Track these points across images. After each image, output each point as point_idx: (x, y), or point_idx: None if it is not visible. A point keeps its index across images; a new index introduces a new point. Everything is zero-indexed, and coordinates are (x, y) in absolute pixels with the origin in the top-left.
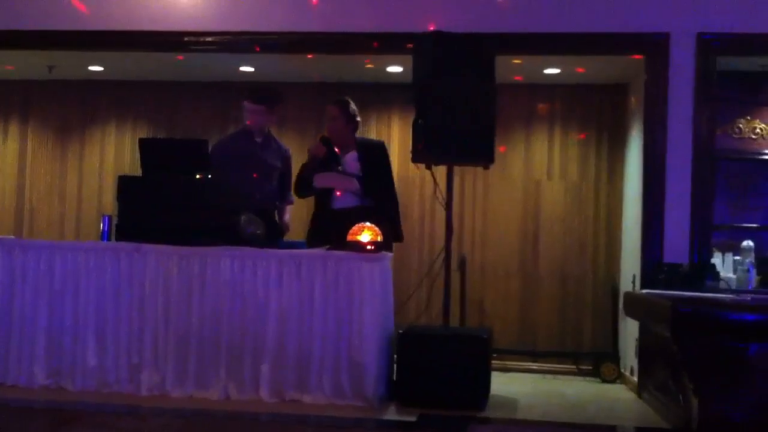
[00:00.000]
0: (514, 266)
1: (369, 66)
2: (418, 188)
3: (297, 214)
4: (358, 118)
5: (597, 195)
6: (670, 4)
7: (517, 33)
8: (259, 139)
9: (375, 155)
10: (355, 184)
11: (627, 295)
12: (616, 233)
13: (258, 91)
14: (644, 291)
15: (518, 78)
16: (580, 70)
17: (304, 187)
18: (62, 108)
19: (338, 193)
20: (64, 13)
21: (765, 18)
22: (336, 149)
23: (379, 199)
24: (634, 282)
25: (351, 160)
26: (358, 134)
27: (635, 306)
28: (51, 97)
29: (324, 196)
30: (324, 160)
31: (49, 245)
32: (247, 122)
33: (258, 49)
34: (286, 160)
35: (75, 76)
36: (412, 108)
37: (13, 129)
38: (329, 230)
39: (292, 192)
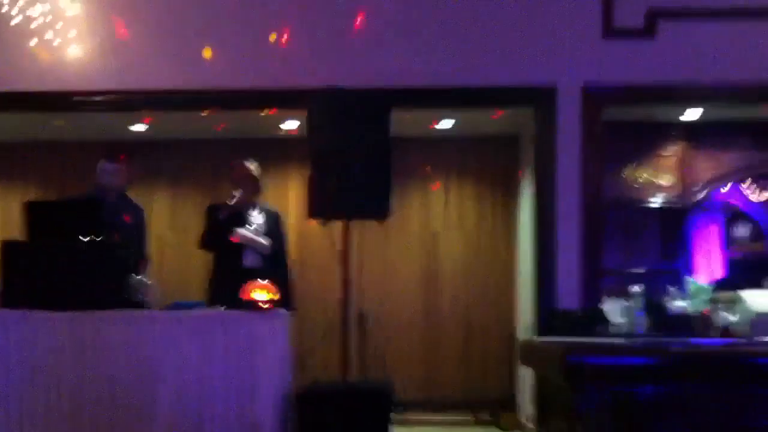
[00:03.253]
0: (417, 316)
1: (265, 121)
2: (317, 242)
3: (182, 272)
4: (261, 181)
5: (494, 245)
6: (556, 56)
7: (410, 87)
8: (113, 199)
9: (274, 222)
10: (266, 245)
11: (522, 343)
12: (512, 282)
13: (112, 150)
14: (539, 339)
15: (413, 132)
16: (473, 123)
17: (214, 240)
18: None
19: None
20: None
21: (647, 69)
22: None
23: (277, 265)
24: (529, 331)
25: (258, 222)
26: None
27: (530, 354)
28: None
29: (231, 254)
30: (232, 218)
31: None
32: (105, 182)
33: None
34: (140, 217)
35: None
36: (309, 164)
37: None
38: (235, 289)
39: (199, 244)
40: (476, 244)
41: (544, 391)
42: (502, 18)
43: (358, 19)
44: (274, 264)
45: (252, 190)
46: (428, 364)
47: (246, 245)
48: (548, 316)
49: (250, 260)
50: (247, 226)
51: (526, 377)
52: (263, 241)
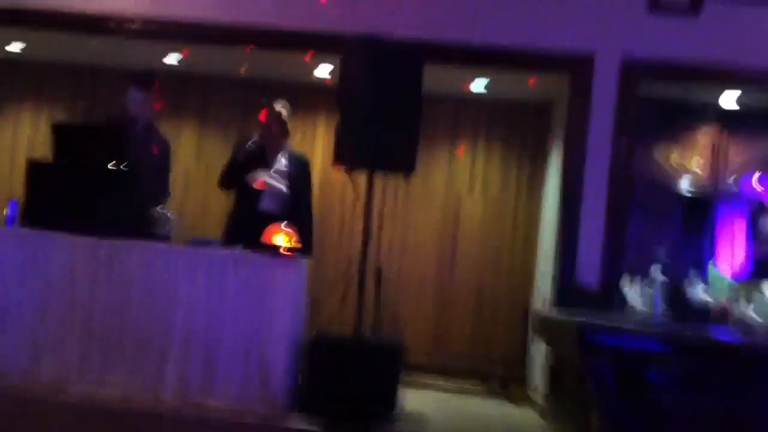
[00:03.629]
0: (430, 278)
1: (299, 65)
2: (338, 194)
3: (204, 209)
4: (290, 126)
5: (516, 213)
6: (597, 25)
7: (446, 43)
8: (140, 128)
9: (301, 169)
10: (285, 192)
11: (537, 315)
12: (531, 252)
13: (142, 76)
14: (555, 313)
15: (445, 90)
16: (505, 86)
17: (232, 179)
18: None
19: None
20: None
21: (689, 46)
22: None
23: (297, 211)
24: (545, 304)
25: (281, 166)
26: None
27: (544, 328)
28: None
29: (249, 196)
30: (254, 159)
31: None
32: (133, 109)
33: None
34: (166, 151)
35: None
36: (338, 113)
37: None
38: (251, 231)
39: (218, 182)
40: (498, 210)
41: (557, 365)
42: None
43: None
44: (294, 210)
45: (278, 132)
46: (439, 329)
47: (267, 190)
48: (566, 290)
49: (267, 204)
50: (272, 171)
51: (537, 350)
52: (281, 186)
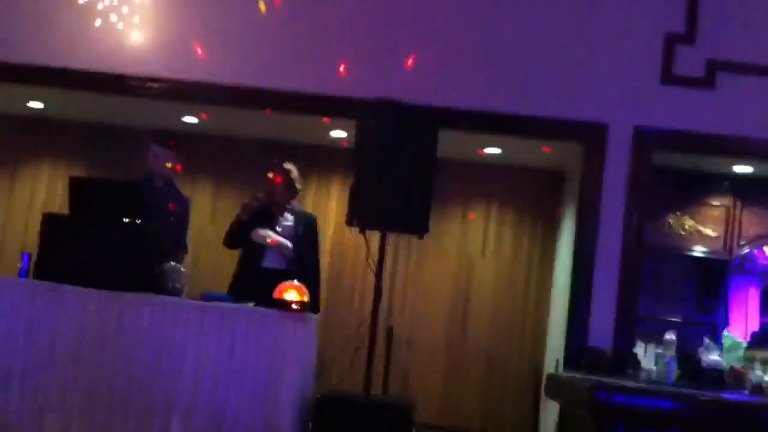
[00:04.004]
0: (441, 339)
1: (315, 127)
2: (351, 254)
3: (217, 268)
4: (299, 186)
5: (528, 277)
6: (611, 96)
7: (462, 109)
8: (159, 184)
9: (307, 226)
10: (289, 247)
11: (549, 376)
12: (543, 316)
13: (165, 136)
14: (567, 373)
15: (460, 155)
16: (519, 153)
17: (236, 238)
18: None
19: (271, 245)
20: (7, 45)
21: (703, 118)
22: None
23: (303, 268)
24: (557, 365)
25: (287, 224)
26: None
27: (556, 388)
28: None
29: (252, 253)
30: (261, 216)
31: None
32: (155, 167)
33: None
34: (185, 207)
35: (13, 110)
36: (353, 174)
37: None
38: (254, 288)
39: (223, 241)
40: (510, 274)
41: (568, 427)
42: (560, 52)
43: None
44: (300, 267)
45: (284, 190)
46: (450, 389)
47: (269, 246)
48: (577, 354)
49: (271, 261)
50: (276, 229)
51: (549, 413)
52: (285, 242)
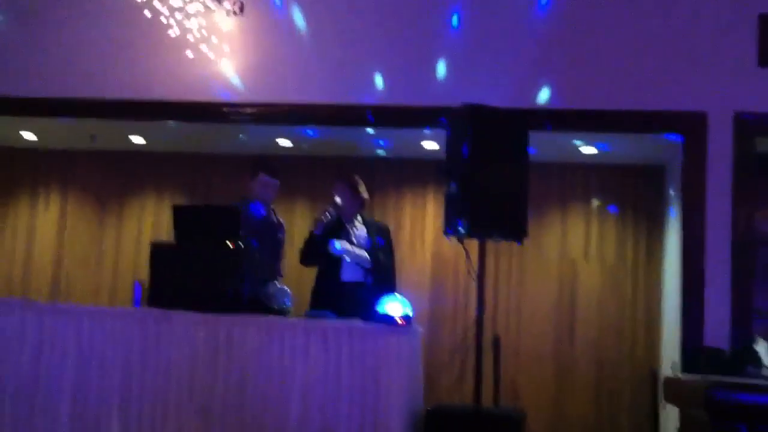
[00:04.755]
0: (548, 346)
1: (407, 140)
2: (451, 265)
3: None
4: (365, 196)
5: (635, 277)
6: (707, 83)
7: (552, 109)
8: (264, 212)
9: (381, 234)
10: (366, 258)
11: (666, 380)
12: (654, 317)
13: (272, 164)
14: (684, 376)
15: (555, 156)
16: (616, 150)
17: (313, 254)
18: (102, 177)
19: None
20: (107, 83)
21: None
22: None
23: (381, 279)
24: (674, 368)
25: (359, 235)
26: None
27: (675, 392)
28: (92, 166)
29: (331, 267)
30: (333, 230)
31: (78, 310)
32: (260, 194)
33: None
34: (282, 232)
35: (116, 146)
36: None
37: (55, 196)
38: (334, 301)
39: (299, 259)
40: (616, 275)
41: (690, 430)
42: (652, 43)
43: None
44: (378, 278)
45: (354, 202)
46: (560, 397)
47: (344, 258)
48: (694, 355)
49: (348, 274)
50: (351, 240)
51: (668, 417)
52: (361, 253)
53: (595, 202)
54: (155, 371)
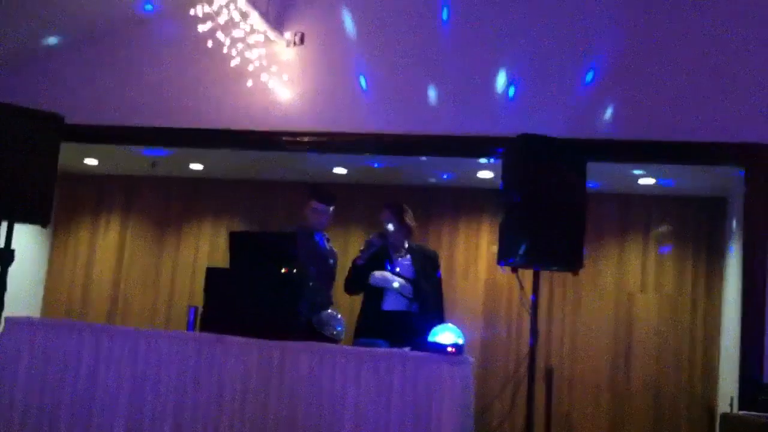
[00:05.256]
0: (604, 380)
1: (462, 169)
2: (505, 294)
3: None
4: (412, 224)
5: (693, 310)
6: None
7: (609, 140)
8: (323, 243)
9: (428, 264)
10: (408, 287)
11: (723, 416)
12: (713, 351)
13: (325, 191)
14: (742, 413)
15: (613, 186)
16: (676, 181)
17: (355, 283)
18: (162, 203)
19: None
20: (170, 112)
21: None
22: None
23: (426, 308)
24: (732, 404)
25: (404, 263)
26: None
27: (732, 428)
28: (152, 192)
29: (373, 296)
30: (378, 258)
31: (134, 332)
32: (313, 221)
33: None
34: (334, 260)
35: (176, 173)
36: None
37: (115, 221)
38: (378, 330)
39: (344, 288)
40: (674, 308)
41: None
42: (713, 73)
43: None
44: (423, 307)
45: (399, 231)
46: (613, 431)
47: (387, 288)
48: (753, 390)
49: (390, 303)
50: (396, 270)
51: None
52: (402, 283)
53: (656, 233)
54: (208, 394)
